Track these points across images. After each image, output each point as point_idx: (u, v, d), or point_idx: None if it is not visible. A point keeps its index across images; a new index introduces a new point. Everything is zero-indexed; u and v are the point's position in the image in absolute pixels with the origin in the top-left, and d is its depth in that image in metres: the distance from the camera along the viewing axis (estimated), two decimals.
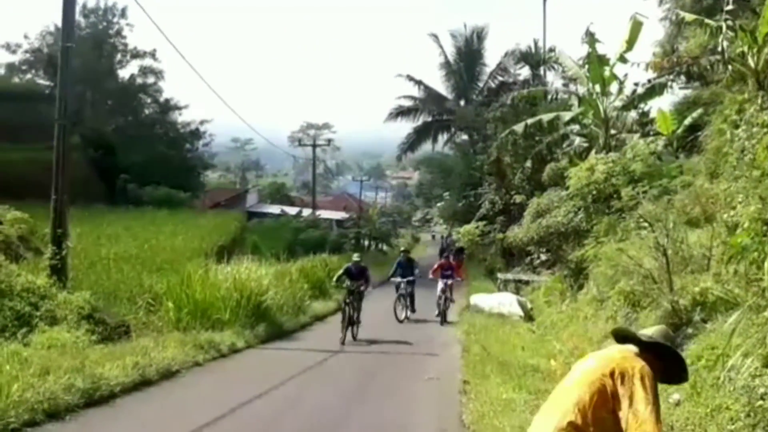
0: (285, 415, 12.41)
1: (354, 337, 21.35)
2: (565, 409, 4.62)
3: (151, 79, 70.76)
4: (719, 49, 18.70)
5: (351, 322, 21.43)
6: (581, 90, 30.62)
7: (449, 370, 16.90)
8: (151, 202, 50.55)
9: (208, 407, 12.16)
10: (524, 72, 63.69)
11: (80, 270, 21.62)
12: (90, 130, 55.05)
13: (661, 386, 4.86)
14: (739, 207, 11.15)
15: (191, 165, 69.96)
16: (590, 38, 26.91)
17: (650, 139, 24.34)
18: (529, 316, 25.81)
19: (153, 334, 17.69)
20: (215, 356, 17.23)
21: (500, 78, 66.93)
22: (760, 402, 7.98)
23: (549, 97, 36.80)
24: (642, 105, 29.17)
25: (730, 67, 18.54)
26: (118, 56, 69.52)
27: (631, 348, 4.98)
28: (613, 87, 27.51)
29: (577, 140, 31.67)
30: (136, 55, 69.63)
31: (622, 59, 26.11)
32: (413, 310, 27.97)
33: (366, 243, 71.96)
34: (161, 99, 71.19)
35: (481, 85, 68.83)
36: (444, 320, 26.53)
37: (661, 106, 28.09)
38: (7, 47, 65.11)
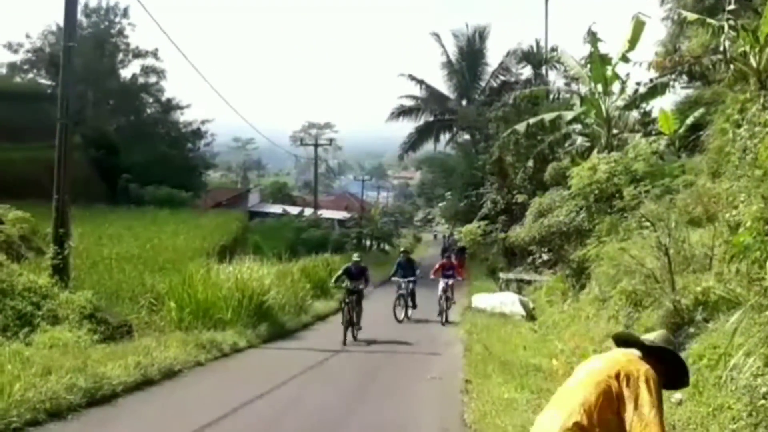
0: (287, 415, 12.40)
1: (354, 338, 21.31)
2: (571, 410, 4.61)
3: (152, 79, 70.88)
4: (721, 48, 18.71)
5: (351, 323, 21.37)
6: (583, 89, 30.59)
7: (451, 369, 16.89)
8: (152, 202, 50.61)
9: (210, 407, 12.15)
10: (526, 71, 63.85)
11: (82, 270, 21.63)
12: (92, 129, 55.11)
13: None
14: (741, 206, 11.14)
15: (193, 165, 69.99)
16: (592, 38, 26.91)
17: (652, 138, 24.33)
18: (530, 316, 25.80)
19: (155, 334, 17.72)
20: (217, 356, 17.23)
21: (502, 77, 66.99)
22: (762, 401, 7.98)
23: (551, 96, 36.80)
24: (644, 104, 29.14)
25: (732, 66, 18.54)
26: (120, 56, 69.62)
27: (635, 351, 4.98)
28: (615, 86, 27.52)
29: (579, 140, 31.64)
30: (138, 54, 69.71)
31: (624, 59, 26.10)
32: (414, 306, 27.90)
33: (368, 243, 72.02)
34: (163, 98, 71.30)
35: (483, 84, 68.87)
36: (445, 320, 26.50)
37: (663, 105, 28.12)
38: (9, 47, 65.31)
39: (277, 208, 71.18)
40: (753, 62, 17.67)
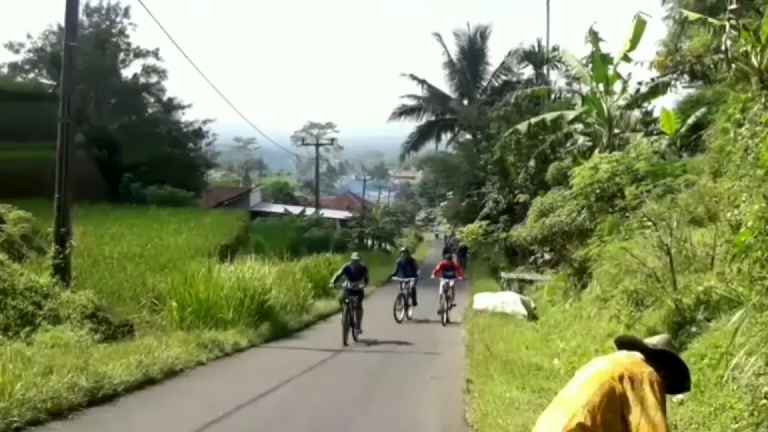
0: (288, 415, 12.39)
1: (355, 338, 21.25)
2: (574, 411, 4.61)
3: (154, 79, 70.98)
4: (722, 48, 18.65)
5: (352, 323, 21.29)
6: (585, 89, 30.55)
7: (453, 369, 16.89)
8: (154, 201, 50.64)
9: (212, 406, 12.15)
10: (528, 71, 64.05)
11: (83, 269, 21.67)
12: (94, 129, 55.11)
13: None
14: (743, 206, 11.12)
15: (194, 164, 69.97)
16: (594, 37, 26.89)
17: (654, 138, 24.36)
18: (532, 315, 25.80)
19: (156, 333, 17.74)
20: (219, 355, 17.22)
21: (504, 77, 67.16)
22: (764, 401, 7.96)
23: (552, 96, 36.80)
24: (645, 104, 29.13)
25: (733, 65, 18.49)
26: (121, 55, 69.67)
27: (638, 354, 4.97)
28: (617, 86, 27.46)
29: (581, 139, 31.59)
30: (139, 54, 69.78)
31: (626, 58, 26.05)
32: (415, 303, 27.90)
33: (369, 242, 72.06)
34: (164, 98, 71.40)
35: (484, 84, 69.02)
36: (446, 320, 26.49)
37: (664, 105, 28.13)
38: (11, 46, 65.31)
39: (278, 208, 71.18)
40: (754, 62, 17.62)
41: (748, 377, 8.43)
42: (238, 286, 20.89)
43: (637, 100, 28.00)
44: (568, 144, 33.11)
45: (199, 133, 72.27)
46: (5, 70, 65.59)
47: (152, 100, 71.54)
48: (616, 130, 27.85)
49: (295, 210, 66.12)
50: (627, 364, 4.80)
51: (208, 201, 65.63)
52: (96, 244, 27.06)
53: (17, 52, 65.39)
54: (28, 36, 67.94)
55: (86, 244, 24.69)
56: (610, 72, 26.74)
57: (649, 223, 16.03)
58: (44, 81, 63.12)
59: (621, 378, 4.66)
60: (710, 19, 20.26)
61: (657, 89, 26.77)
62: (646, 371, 4.73)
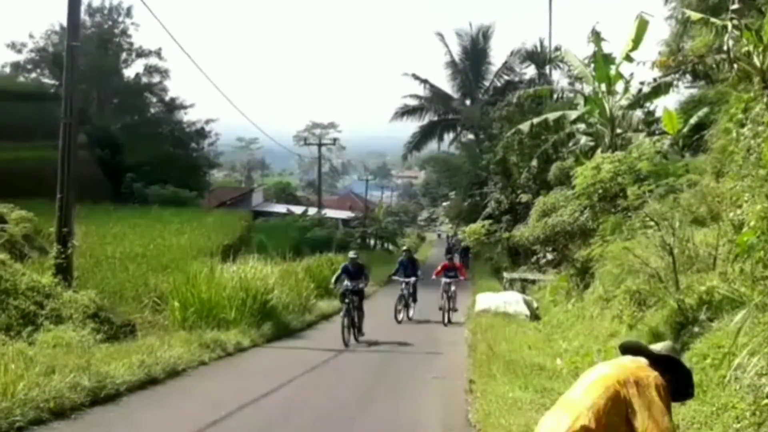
0: (290, 415, 12.40)
1: (356, 339, 21.21)
2: (579, 413, 4.61)
3: (156, 78, 70.96)
4: (725, 48, 18.62)
5: (353, 323, 21.21)
6: (587, 89, 30.53)
7: (455, 369, 16.91)
8: (156, 201, 50.66)
9: (214, 406, 12.16)
10: (530, 71, 64.02)
11: (86, 269, 21.69)
12: (96, 129, 55.17)
13: None
14: (745, 206, 11.13)
15: (197, 164, 69.93)
16: (596, 37, 26.85)
17: (656, 138, 24.35)
18: (535, 315, 25.78)
19: (159, 333, 17.77)
20: (221, 355, 17.23)
21: (506, 77, 67.17)
22: (766, 401, 7.97)
23: (555, 96, 36.82)
24: (648, 104, 29.14)
25: (735, 66, 18.47)
26: (124, 55, 69.68)
27: (642, 359, 4.97)
28: (619, 86, 27.43)
29: (583, 139, 31.57)
30: (142, 54, 69.79)
31: (628, 58, 26.03)
32: (415, 300, 27.87)
33: (372, 242, 72.07)
34: (167, 98, 71.39)
35: (486, 84, 69.05)
36: (448, 321, 26.48)
37: (666, 105, 28.14)
38: (13, 46, 65.37)
39: (281, 208, 71.17)
40: (757, 62, 17.59)
41: (751, 377, 8.43)
42: (240, 286, 20.89)
43: (639, 100, 27.98)
44: (570, 144, 33.10)
45: (201, 133, 72.29)
46: (7, 69, 65.75)
47: (155, 99, 71.57)
48: (619, 130, 27.83)
49: (298, 210, 66.08)
50: (632, 369, 4.81)
51: (210, 201, 65.62)
52: (98, 243, 27.07)
53: (19, 51, 65.55)
54: (31, 36, 68.04)
55: (88, 244, 24.71)
56: (613, 72, 26.70)
57: (652, 223, 16.02)
58: (46, 81, 63.14)
59: (626, 382, 4.67)
60: (712, 19, 20.24)
61: (659, 89, 26.76)
62: (651, 375, 4.74)
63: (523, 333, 21.05)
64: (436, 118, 71.59)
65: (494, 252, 48.51)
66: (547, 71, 57.86)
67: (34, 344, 14.05)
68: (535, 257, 35.07)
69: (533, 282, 33.59)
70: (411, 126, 72.82)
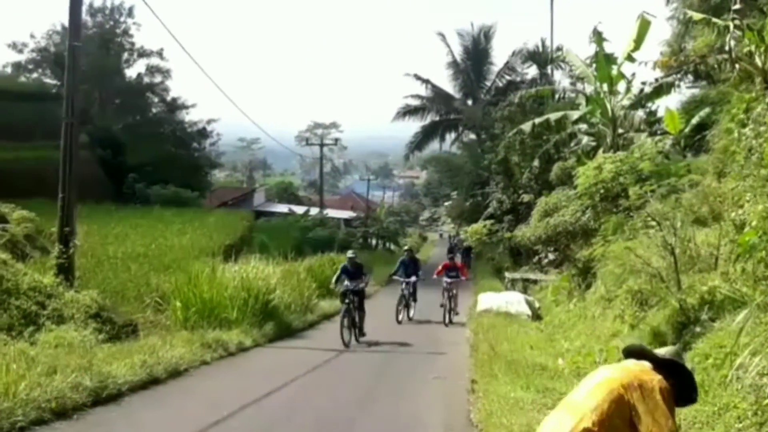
0: (292, 415, 12.40)
1: (357, 339, 21.16)
2: (582, 415, 4.61)
3: (158, 78, 70.86)
4: (726, 48, 18.63)
5: (354, 324, 21.13)
6: (589, 89, 30.51)
7: (457, 369, 16.91)
8: (158, 201, 50.60)
9: (216, 406, 12.16)
10: (532, 71, 63.99)
11: (87, 269, 21.69)
12: (98, 129, 55.16)
13: None
14: (747, 206, 11.14)
15: (198, 164, 69.88)
16: (598, 37, 26.84)
17: (658, 138, 24.35)
18: (536, 315, 25.77)
19: (160, 333, 17.76)
20: (223, 355, 17.25)
21: (508, 77, 67.13)
22: None
23: (556, 96, 36.74)
24: (649, 104, 29.16)
25: (737, 66, 18.47)
26: (125, 55, 69.62)
27: (646, 363, 4.97)
28: (621, 86, 27.42)
29: (585, 139, 31.57)
30: (143, 54, 69.75)
31: (630, 58, 26.02)
32: (415, 300, 27.75)
33: (373, 242, 72.08)
34: (168, 98, 71.29)
35: (488, 84, 69.03)
36: (449, 321, 26.46)
37: (668, 105, 28.11)
38: (14, 46, 65.33)
39: (282, 208, 71.14)
40: (758, 62, 17.60)
41: (752, 377, 8.43)
42: (242, 286, 20.90)
43: (641, 100, 27.98)
44: (572, 144, 33.11)
45: (203, 133, 72.23)
46: (9, 69, 65.69)
47: (156, 100, 71.51)
48: (620, 130, 27.83)
49: (300, 210, 66.07)
50: (636, 372, 4.80)
51: (212, 201, 65.60)
52: (100, 243, 27.07)
53: (21, 51, 65.52)
54: (32, 36, 68.06)
55: (90, 244, 24.70)
56: (614, 72, 26.70)
57: (654, 223, 16.03)
58: (48, 81, 63.09)
59: (630, 386, 4.66)
60: (714, 20, 20.24)
61: (661, 89, 26.76)
62: (655, 378, 4.73)
63: (524, 333, 21.05)
64: (437, 118, 71.59)
65: (496, 252, 48.51)
66: (549, 71, 57.82)
67: (35, 344, 14.05)
68: (536, 257, 35.11)
69: (535, 282, 33.60)
70: (413, 126, 72.89)
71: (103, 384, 11.95)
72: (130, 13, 68.27)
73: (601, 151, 26.86)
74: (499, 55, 74.45)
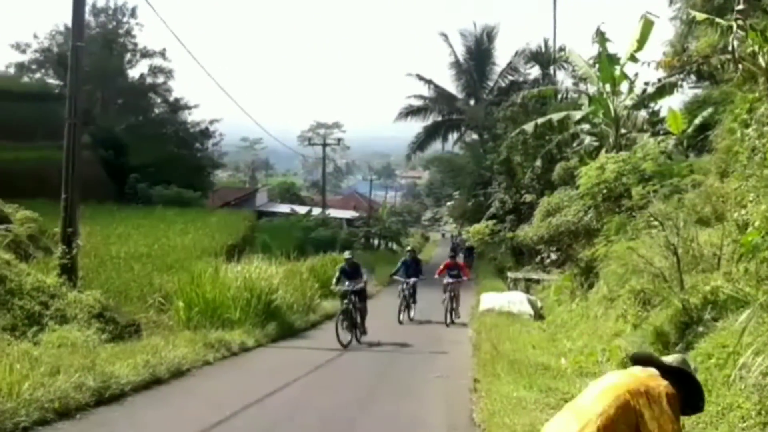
0: (295, 414, 12.40)
1: (358, 340, 21.11)
2: (588, 419, 4.61)
3: (160, 79, 71.11)
4: (729, 48, 18.63)
5: (355, 324, 21.06)
6: (591, 89, 30.55)
7: (460, 368, 16.89)
8: (161, 201, 50.65)
9: (219, 405, 12.16)
10: (534, 71, 64.14)
11: (90, 269, 21.69)
12: (100, 129, 55.29)
13: None
14: (750, 206, 11.15)
15: (201, 164, 70.04)
16: (600, 37, 26.85)
17: (660, 138, 24.31)
18: (539, 315, 25.78)
19: (163, 333, 17.75)
20: (226, 355, 17.25)
21: (510, 77, 67.20)
22: None
23: (559, 96, 36.76)
24: (652, 104, 29.16)
25: (740, 66, 18.46)
26: (128, 56, 69.82)
27: (653, 370, 4.97)
28: (624, 86, 27.43)
29: (588, 139, 31.57)
30: (146, 54, 69.93)
31: (633, 58, 26.01)
32: (414, 301, 27.67)
33: (376, 242, 72.08)
34: (171, 98, 71.53)
35: (491, 84, 69.08)
36: (450, 321, 26.39)
37: (671, 105, 28.09)
38: (17, 47, 65.60)
39: (285, 208, 71.19)
40: (761, 62, 17.58)
41: (756, 377, 8.43)
42: (244, 286, 20.90)
43: (643, 101, 27.99)
44: (574, 144, 33.12)
45: (205, 134, 72.35)
46: (12, 70, 65.92)
47: (159, 100, 71.70)
48: (623, 130, 27.82)
49: (302, 210, 66.10)
50: (643, 378, 4.79)
51: (214, 201, 65.69)
52: (103, 244, 27.10)
53: (24, 52, 65.76)
54: (35, 36, 68.59)
55: (93, 244, 24.72)
56: (617, 72, 26.70)
57: (656, 223, 16.01)
58: (51, 81, 63.28)
59: (637, 392, 4.66)
60: (717, 20, 20.23)
61: (664, 89, 26.77)
62: (662, 384, 4.73)
63: (527, 332, 21.04)
64: (440, 119, 71.62)
65: (498, 252, 48.55)
66: (552, 71, 57.91)
67: (39, 344, 14.05)
68: (539, 257, 35.15)
69: (537, 282, 33.62)
70: (415, 126, 72.94)
71: (106, 384, 11.95)
72: (132, 13, 68.62)
73: (603, 151, 26.85)
74: (502, 56, 74.39)
